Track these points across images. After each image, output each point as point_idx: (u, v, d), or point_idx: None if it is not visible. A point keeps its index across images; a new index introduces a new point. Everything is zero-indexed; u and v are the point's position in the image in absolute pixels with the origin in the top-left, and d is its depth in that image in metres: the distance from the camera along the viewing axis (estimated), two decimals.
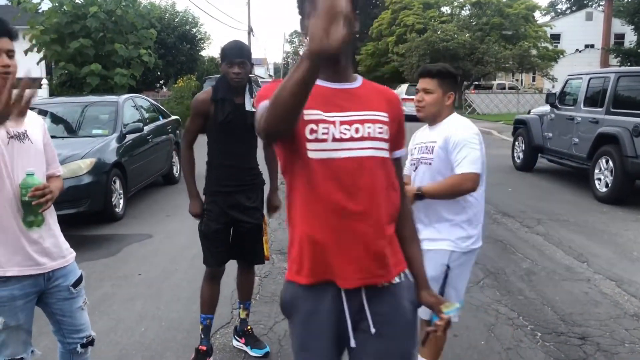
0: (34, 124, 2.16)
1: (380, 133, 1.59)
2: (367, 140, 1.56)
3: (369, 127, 1.57)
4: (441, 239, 2.51)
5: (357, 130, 1.56)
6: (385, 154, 1.62)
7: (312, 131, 1.52)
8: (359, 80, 1.67)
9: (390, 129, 1.63)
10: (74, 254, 2.27)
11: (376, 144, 1.58)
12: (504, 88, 32.41)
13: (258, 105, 1.51)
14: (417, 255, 1.74)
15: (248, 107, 2.99)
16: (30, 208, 1.98)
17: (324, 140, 1.53)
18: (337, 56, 1.45)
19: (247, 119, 2.95)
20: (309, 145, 1.53)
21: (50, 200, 2.03)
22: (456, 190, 2.44)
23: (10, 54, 1.95)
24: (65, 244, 2.23)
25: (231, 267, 3.32)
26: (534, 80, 38.78)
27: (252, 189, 3.15)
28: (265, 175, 3.27)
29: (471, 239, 2.56)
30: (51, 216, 2.16)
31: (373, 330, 1.60)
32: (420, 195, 2.44)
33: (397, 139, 1.68)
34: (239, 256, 3.28)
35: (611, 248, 5.49)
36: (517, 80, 34.16)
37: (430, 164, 2.52)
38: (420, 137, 2.67)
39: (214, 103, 3.01)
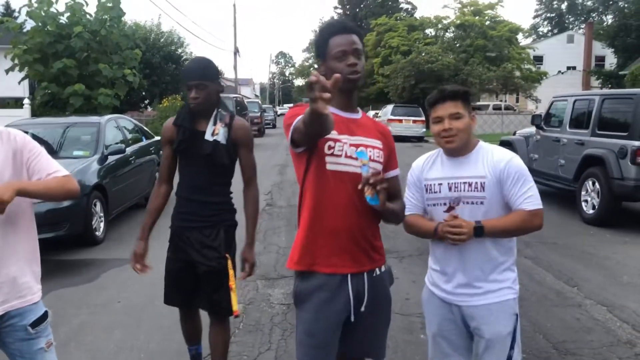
0: None
1: (377, 157, 2.06)
2: (370, 161, 1.99)
3: (370, 151, 2.02)
4: (503, 287, 2.27)
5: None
6: None
7: (330, 147, 1.96)
8: (360, 113, 2.13)
9: (384, 154, 2.10)
10: (37, 293, 2.08)
11: (374, 165, 2.01)
12: (500, 109, 32.27)
13: (290, 121, 1.94)
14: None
15: (207, 136, 2.66)
16: None
17: (339, 156, 1.97)
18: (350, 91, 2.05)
19: (204, 149, 2.65)
20: (327, 159, 1.96)
21: None
22: (526, 228, 2.19)
23: None
24: (28, 284, 2.04)
25: None
26: (517, 101, 39.25)
27: (211, 226, 2.75)
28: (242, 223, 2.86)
29: (517, 281, 2.36)
30: (14, 254, 1.99)
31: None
32: (479, 231, 2.11)
33: (389, 163, 2.14)
34: (202, 304, 2.87)
35: (601, 272, 5.42)
36: (501, 101, 34.41)
37: (482, 203, 2.15)
38: (446, 170, 2.24)
39: (175, 128, 2.76)
